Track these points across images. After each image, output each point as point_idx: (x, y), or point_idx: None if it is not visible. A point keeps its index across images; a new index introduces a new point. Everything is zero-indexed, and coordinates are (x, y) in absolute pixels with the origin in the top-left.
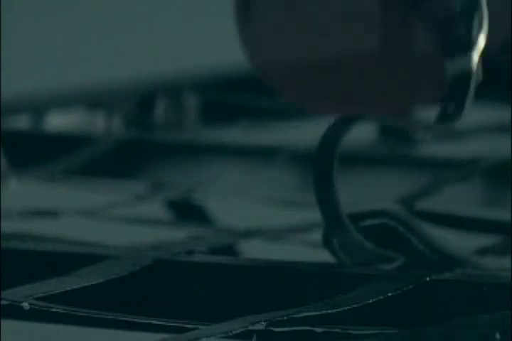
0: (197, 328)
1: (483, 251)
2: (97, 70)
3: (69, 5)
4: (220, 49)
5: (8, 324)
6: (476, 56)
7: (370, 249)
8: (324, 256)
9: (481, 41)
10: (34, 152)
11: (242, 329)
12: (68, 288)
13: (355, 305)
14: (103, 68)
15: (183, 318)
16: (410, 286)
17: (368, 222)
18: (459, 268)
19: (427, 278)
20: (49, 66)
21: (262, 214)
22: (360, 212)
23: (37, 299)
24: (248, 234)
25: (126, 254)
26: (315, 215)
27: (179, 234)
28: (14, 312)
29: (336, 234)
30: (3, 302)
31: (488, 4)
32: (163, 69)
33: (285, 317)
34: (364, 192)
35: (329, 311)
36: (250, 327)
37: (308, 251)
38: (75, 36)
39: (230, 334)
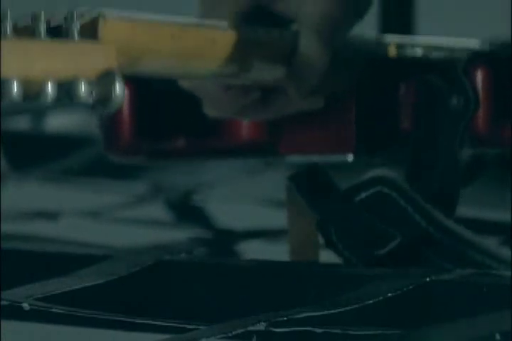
0: (197, 328)
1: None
2: None
3: (69, 5)
4: None
5: (8, 324)
6: None
7: (371, 225)
8: (324, 256)
9: None
10: (34, 153)
11: (242, 330)
12: (68, 289)
13: (355, 306)
14: None
15: (183, 318)
16: (410, 287)
17: (363, 195)
18: (459, 266)
19: (427, 279)
20: None
21: (261, 215)
22: (353, 185)
23: (37, 299)
24: (248, 234)
25: (126, 255)
26: None
27: (179, 234)
28: (14, 312)
29: (337, 216)
30: (4, 302)
31: None
32: None
33: (285, 318)
34: None
35: (329, 311)
36: (250, 328)
37: None
38: None
39: (230, 334)
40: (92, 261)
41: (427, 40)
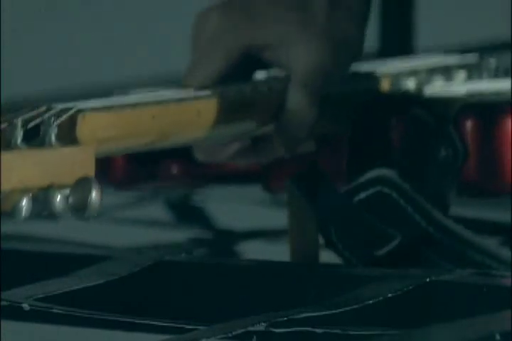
0: (197, 329)
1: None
2: (97, 71)
3: (69, 5)
4: None
5: (8, 324)
6: None
7: (371, 225)
8: (324, 256)
9: None
10: None
11: (242, 330)
12: (68, 289)
13: (355, 306)
14: (103, 69)
15: (183, 319)
16: (410, 287)
17: (363, 195)
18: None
19: (427, 279)
20: (50, 67)
21: (261, 215)
22: (353, 185)
23: (37, 300)
24: (248, 235)
25: (126, 255)
26: None
27: (179, 234)
28: (14, 312)
29: (337, 216)
30: (4, 302)
31: None
32: (163, 69)
33: (285, 318)
34: None
35: (329, 312)
36: (250, 328)
37: None
38: (75, 37)
39: (230, 335)
40: (92, 261)
41: (422, 62)
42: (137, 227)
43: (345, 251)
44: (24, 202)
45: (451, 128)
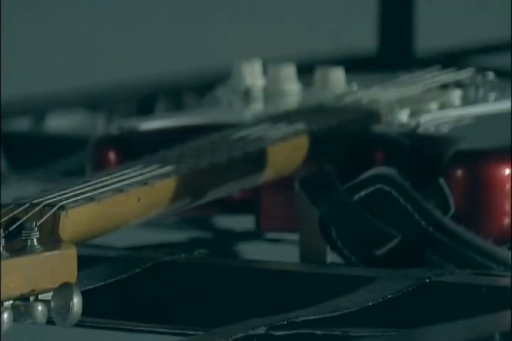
0: (196, 334)
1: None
2: (97, 71)
3: (69, 6)
4: (220, 49)
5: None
6: None
7: (371, 223)
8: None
9: None
10: (34, 153)
11: (243, 334)
12: None
13: (355, 308)
14: (103, 69)
15: (183, 322)
16: (410, 288)
17: (363, 192)
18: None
19: (427, 280)
20: (49, 68)
21: None
22: (353, 182)
23: None
24: (248, 235)
25: (126, 255)
26: None
27: (179, 235)
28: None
29: (336, 214)
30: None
31: None
32: (163, 70)
33: (285, 322)
34: None
35: (329, 314)
36: (250, 332)
37: None
38: (74, 37)
39: (231, 339)
40: (92, 262)
41: (416, 85)
42: (137, 227)
43: (345, 249)
44: (5, 316)
45: (441, 181)
